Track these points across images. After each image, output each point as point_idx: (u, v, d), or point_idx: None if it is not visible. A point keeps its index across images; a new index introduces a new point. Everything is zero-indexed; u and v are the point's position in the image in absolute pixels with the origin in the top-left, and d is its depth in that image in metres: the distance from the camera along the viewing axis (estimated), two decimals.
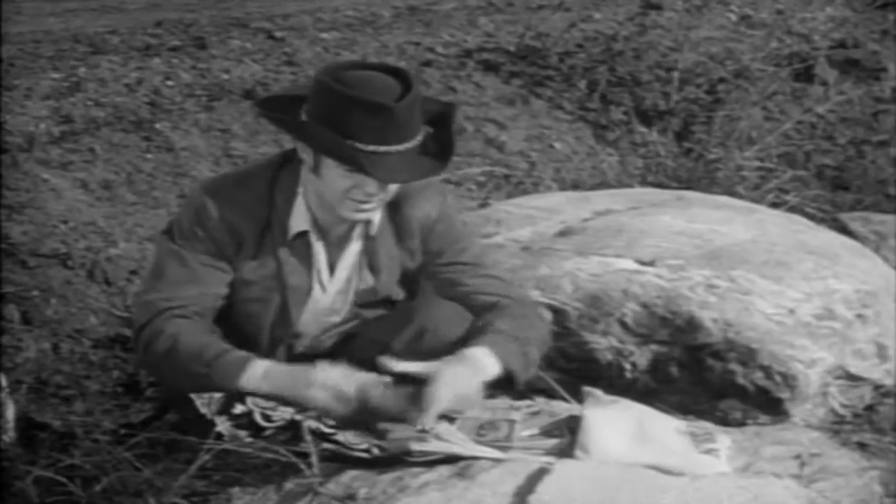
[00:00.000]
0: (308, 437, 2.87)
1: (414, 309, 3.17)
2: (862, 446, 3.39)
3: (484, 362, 3.00)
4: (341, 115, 2.87)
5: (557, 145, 6.39)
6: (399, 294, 3.24)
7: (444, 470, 2.83)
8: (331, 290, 3.16)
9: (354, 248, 3.14)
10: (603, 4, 7.97)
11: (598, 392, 3.19)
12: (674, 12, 7.62)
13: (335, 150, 2.90)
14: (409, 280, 3.24)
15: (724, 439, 3.04)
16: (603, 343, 3.62)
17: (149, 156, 5.61)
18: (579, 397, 3.20)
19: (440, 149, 3.00)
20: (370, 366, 3.02)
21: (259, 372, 2.95)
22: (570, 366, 3.55)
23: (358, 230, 3.13)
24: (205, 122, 5.90)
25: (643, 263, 3.78)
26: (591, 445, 2.88)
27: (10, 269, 4.60)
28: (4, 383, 3.43)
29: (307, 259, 3.11)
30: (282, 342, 3.17)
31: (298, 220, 3.08)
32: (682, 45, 6.98)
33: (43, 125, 5.63)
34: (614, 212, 4.30)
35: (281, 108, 3.04)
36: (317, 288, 3.14)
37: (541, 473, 2.79)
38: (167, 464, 2.92)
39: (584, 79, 6.80)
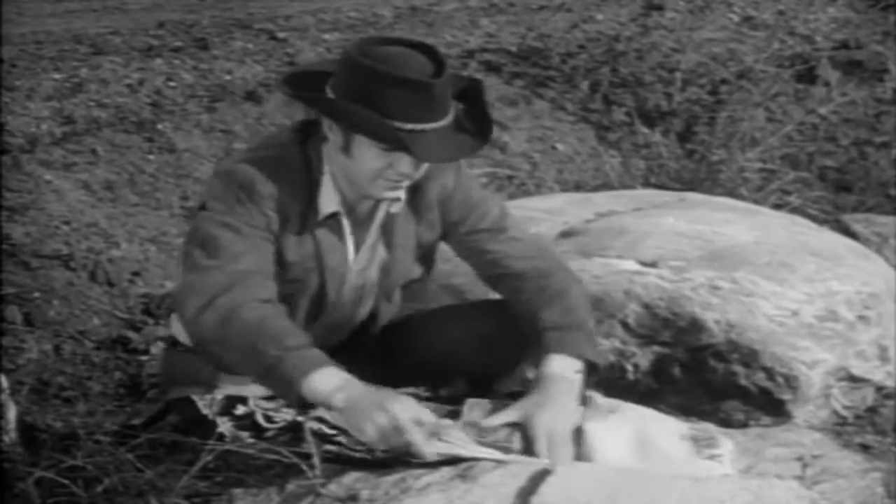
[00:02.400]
0: (310, 439, 2.86)
1: (428, 321, 3.18)
2: (864, 448, 3.39)
3: (565, 374, 2.98)
4: (378, 92, 2.79)
5: (560, 146, 6.39)
6: (416, 272, 3.19)
7: (445, 471, 2.82)
8: (354, 268, 3.11)
9: (377, 225, 3.09)
10: (605, 5, 7.98)
11: (599, 396, 3.18)
12: (676, 13, 7.63)
13: (376, 129, 2.81)
14: (427, 254, 3.21)
15: (727, 443, 3.03)
16: (605, 344, 3.62)
17: (151, 157, 5.61)
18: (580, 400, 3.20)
19: (477, 125, 2.93)
20: (436, 358, 3.07)
21: (334, 380, 2.75)
22: None
23: (383, 208, 3.07)
24: (207, 122, 5.91)
25: (645, 265, 3.78)
26: (593, 458, 2.88)
27: (12, 271, 4.60)
28: (6, 384, 3.43)
29: (342, 238, 3.05)
30: (314, 322, 3.11)
31: (328, 201, 3.00)
32: (684, 46, 6.98)
33: (45, 126, 5.63)
34: (617, 213, 4.30)
35: (305, 86, 2.94)
36: (349, 267, 3.09)
37: (543, 475, 2.79)
38: (169, 465, 2.92)
39: (586, 80, 6.81)
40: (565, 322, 3.03)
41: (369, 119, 2.80)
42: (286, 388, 2.74)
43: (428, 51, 2.88)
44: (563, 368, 2.98)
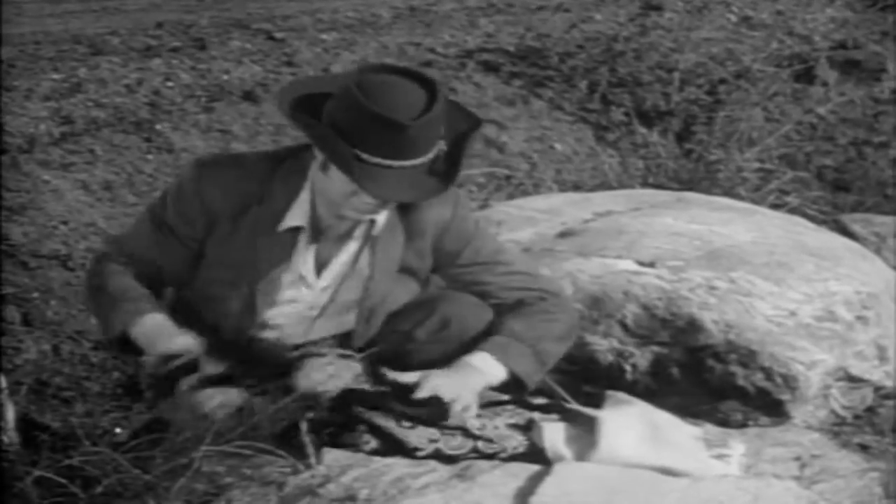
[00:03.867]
0: (305, 437, 2.86)
1: (436, 299, 3.18)
2: (862, 448, 3.40)
3: (481, 368, 3.02)
4: (353, 124, 2.84)
5: (558, 146, 6.39)
6: (402, 298, 3.21)
7: (444, 471, 2.83)
8: (317, 286, 3.13)
9: (352, 246, 3.12)
10: (603, 5, 7.97)
11: (621, 394, 3.20)
12: (674, 13, 7.62)
13: (336, 155, 2.87)
14: (419, 281, 3.23)
15: (739, 446, 3.04)
16: (603, 344, 3.62)
17: (149, 157, 5.61)
18: (594, 400, 3.22)
19: (447, 169, 2.95)
20: (393, 356, 3.06)
21: (148, 322, 3.03)
22: (571, 367, 3.54)
23: (361, 229, 3.10)
24: (205, 122, 5.90)
25: (644, 265, 3.78)
26: (604, 447, 2.88)
27: (11, 271, 4.59)
28: (5, 384, 3.43)
29: (286, 256, 3.08)
30: (246, 331, 3.15)
31: (295, 215, 3.05)
32: (682, 46, 6.98)
33: (43, 126, 5.62)
34: (615, 213, 4.30)
35: (309, 104, 2.98)
36: (299, 284, 3.11)
37: (541, 475, 2.79)
38: (167, 465, 2.91)
39: (584, 79, 6.80)
40: (521, 333, 3.08)
41: (334, 145, 2.86)
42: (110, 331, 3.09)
43: (428, 86, 2.89)
44: (481, 362, 3.04)
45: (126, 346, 3.05)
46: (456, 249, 3.16)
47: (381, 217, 3.07)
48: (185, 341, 3.00)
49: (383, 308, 3.19)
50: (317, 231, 3.08)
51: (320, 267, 3.12)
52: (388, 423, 2.96)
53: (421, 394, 2.94)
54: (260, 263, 3.07)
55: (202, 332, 3.04)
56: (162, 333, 3.01)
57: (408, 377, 2.98)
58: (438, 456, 2.92)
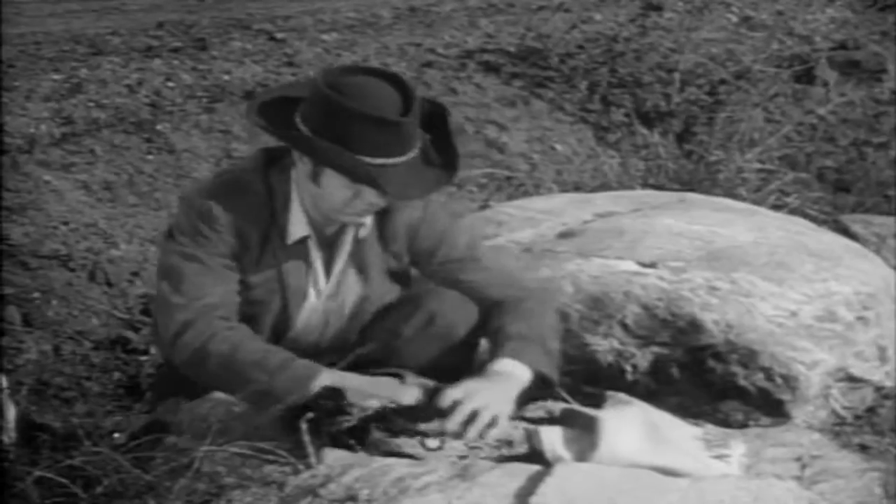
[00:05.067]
0: (305, 437, 2.86)
1: (422, 295, 3.18)
2: (863, 448, 3.39)
3: (513, 374, 3.02)
4: (347, 127, 2.83)
5: (558, 147, 6.40)
6: (390, 297, 3.22)
7: (444, 471, 2.83)
8: (325, 292, 3.15)
9: (346, 250, 3.13)
10: (604, 6, 7.98)
11: (621, 395, 3.20)
12: (674, 13, 7.63)
13: (347, 166, 2.86)
14: (401, 279, 3.24)
15: (739, 446, 3.03)
16: (604, 345, 3.62)
17: (150, 157, 5.61)
18: (594, 400, 3.22)
19: (444, 158, 2.97)
20: (380, 354, 3.05)
21: (329, 380, 2.92)
22: (571, 367, 3.54)
23: (350, 233, 3.11)
24: (206, 123, 5.91)
25: (644, 265, 3.78)
26: (603, 445, 2.88)
27: (11, 271, 4.60)
28: (5, 385, 3.43)
29: (306, 261, 3.10)
30: (280, 343, 3.15)
31: (297, 226, 3.06)
32: (682, 47, 6.98)
33: (44, 126, 5.63)
34: (615, 213, 4.30)
35: (275, 113, 2.97)
36: (311, 291, 3.13)
37: (541, 475, 2.79)
38: (168, 465, 2.92)
39: (585, 80, 6.81)
40: (528, 334, 3.08)
41: (340, 156, 2.85)
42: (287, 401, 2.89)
43: (396, 82, 2.90)
44: (511, 368, 3.02)
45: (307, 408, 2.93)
46: (430, 247, 3.17)
47: (369, 219, 3.08)
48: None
49: (370, 306, 3.20)
50: (319, 236, 3.09)
51: (327, 272, 3.14)
52: (401, 442, 2.94)
53: (463, 406, 2.90)
54: (286, 277, 3.08)
55: None
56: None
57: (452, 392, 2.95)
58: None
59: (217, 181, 3.12)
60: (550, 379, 3.10)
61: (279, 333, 3.15)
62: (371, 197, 2.93)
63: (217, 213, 2.99)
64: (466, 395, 2.92)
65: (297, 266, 3.09)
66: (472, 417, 2.89)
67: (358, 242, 3.12)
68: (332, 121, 2.85)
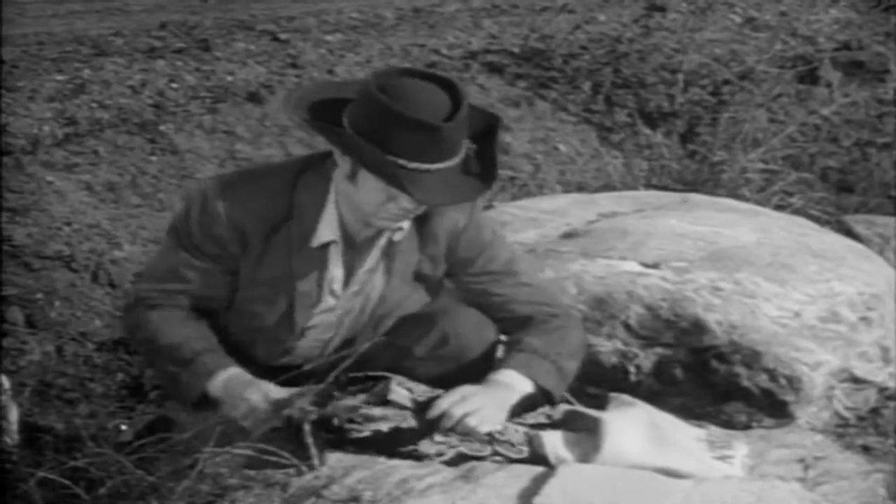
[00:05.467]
0: (308, 439, 2.86)
1: (437, 314, 3.13)
2: (866, 449, 3.39)
3: (512, 384, 3.01)
4: (387, 129, 2.79)
5: (562, 147, 6.39)
6: (412, 306, 3.18)
7: (448, 472, 2.83)
8: (344, 294, 3.11)
9: (375, 254, 3.09)
10: (607, 6, 7.97)
11: (624, 396, 3.20)
12: (678, 14, 7.62)
13: (377, 165, 2.82)
14: (430, 288, 3.20)
15: (742, 447, 3.03)
16: (608, 346, 3.61)
17: (153, 158, 5.61)
18: (598, 402, 3.21)
19: (484, 167, 2.91)
20: (394, 371, 3.02)
21: (222, 378, 2.97)
22: None
23: (385, 236, 3.07)
24: (209, 123, 5.91)
25: (648, 266, 3.78)
26: (606, 446, 2.88)
27: (14, 272, 4.60)
28: (8, 386, 3.43)
29: (322, 267, 3.06)
30: (282, 344, 3.14)
31: (326, 230, 3.02)
32: (686, 47, 6.98)
33: (47, 127, 5.63)
34: (619, 214, 4.30)
35: (323, 110, 2.94)
36: (325, 295, 3.10)
37: (545, 476, 2.79)
38: (171, 466, 2.92)
39: (588, 81, 6.80)
40: (542, 350, 3.07)
41: (372, 155, 2.81)
42: (187, 397, 3.01)
43: (449, 88, 2.86)
44: (511, 379, 3.02)
45: (203, 405, 3.00)
46: (469, 257, 3.13)
47: (406, 224, 3.04)
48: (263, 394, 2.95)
49: (393, 315, 3.16)
50: (348, 243, 3.06)
51: (347, 275, 3.09)
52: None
53: (452, 410, 2.91)
54: (296, 278, 3.05)
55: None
56: (240, 388, 2.97)
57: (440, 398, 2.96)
58: (461, 458, 2.91)
59: (232, 173, 3.19)
60: (552, 394, 3.08)
61: (282, 333, 3.13)
62: (406, 202, 2.88)
63: (215, 207, 2.98)
64: (457, 400, 2.93)
65: (312, 269, 3.05)
66: (461, 420, 2.91)
67: (391, 244, 3.08)
68: (374, 121, 2.81)
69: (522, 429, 3.00)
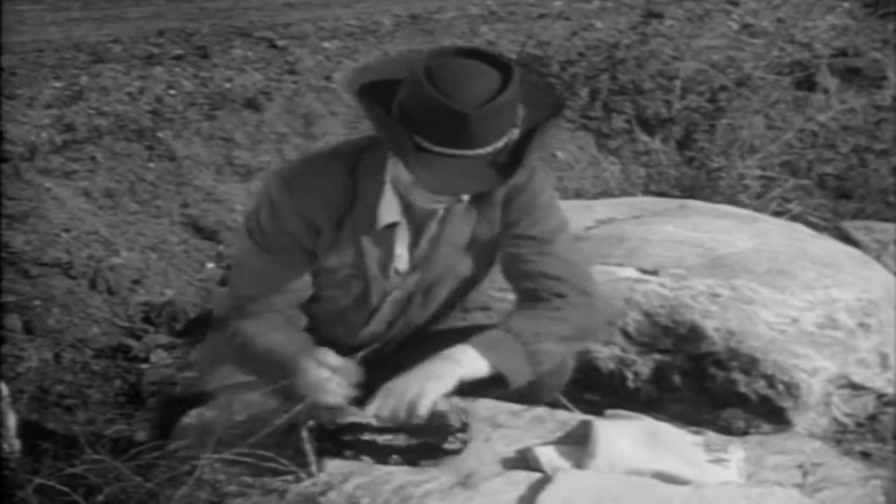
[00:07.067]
0: (306, 445, 2.86)
1: (446, 336, 3.06)
2: (864, 455, 3.39)
3: (458, 359, 2.91)
4: (415, 109, 2.75)
5: (560, 154, 6.40)
6: (464, 270, 3.10)
7: (446, 479, 2.83)
8: (406, 271, 3.08)
9: (434, 225, 3.03)
10: (604, 13, 7.99)
11: (620, 411, 3.19)
12: (675, 21, 7.64)
13: (393, 143, 2.78)
14: (483, 254, 3.10)
15: (738, 451, 3.03)
16: (605, 352, 3.62)
17: (151, 164, 5.61)
18: (596, 408, 3.21)
19: (509, 160, 2.80)
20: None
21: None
22: (573, 375, 3.54)
23: (442, 207, 3.00)
24: (207, 130, 5.91)
25: (646, 272, 3.79)
26: (600, 452, 2.88)
27: (12, 279, 4.60)
28: (6, 392, 3.43)
29: (390, 247, 3.02)
30: (358, 327, 3.13)
31: (389, 211, 2.97)
32: (683, 54, 6.99)
33: (45, 134, 5.63)
34: (617, 220, 4.30)
35: (380, 89, 2.86)
36: (393, 274, 3.06)
37: (543, 482, 2.79)
38: (169, 473, 2.91)
39: (585, 87, 6.82)
40: (517, 331, 2.97)
41: (392, 132, 2.77)
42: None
43: (503, 68, 2.77)
44: (462, 354, 2.92)
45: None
46: (516, 218, 3.03)
47: (466, 196, 2.97)
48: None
49: (443, 284, 3.11)
50: (413, 222, 3.01)
51: (413, 253, 3.05)
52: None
53: (384, 401, 2.86)
54: (367, 260, 3.01)
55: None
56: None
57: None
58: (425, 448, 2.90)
59: (294, 163, 3.14)
60: (507, 380, 2.95)
61: (356, 316, 3.12)
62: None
63: (282, 201, 2.96)
64: (380, 402, 2.87)
65: (380, 252, 3.02)
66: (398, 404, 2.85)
67: (448, 213, 3.01)
68: (409, 100, 2.77)
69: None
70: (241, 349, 3.03)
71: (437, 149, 2.74)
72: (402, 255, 3.05)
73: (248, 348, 3.01)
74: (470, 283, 3.17)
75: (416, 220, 3.02)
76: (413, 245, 3.05)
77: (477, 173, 2.77)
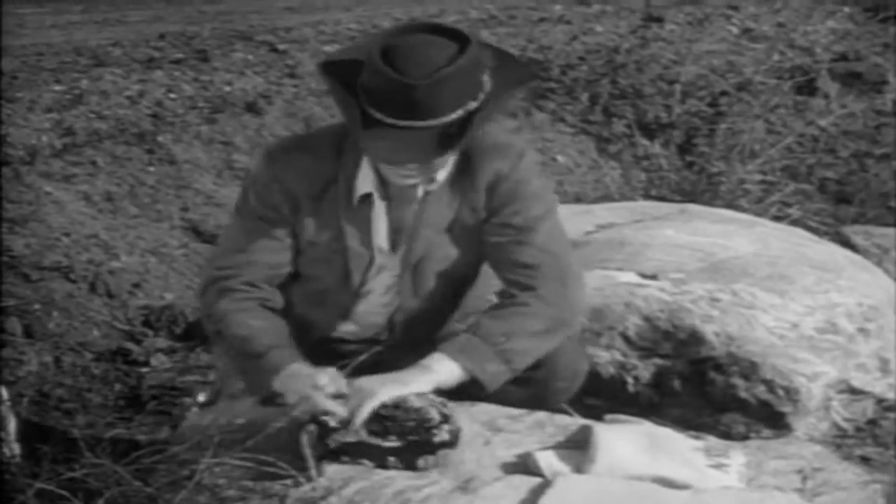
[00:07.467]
0: (306, 450, 2.86)
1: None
2: (864, 460, 3.39)
3: (432, 368, 2.91)
4: (369, 82, 2.78)
5: (560, 158, 6.40)
6: (451, 254, 3.07)
7: (446, 483, 2.82)
8: (394, 253, 3.06)
9: (414, 206, 3.01)
10: (605, 17, 7.99)
11: (620, 416, 3.19)
12: (676, 25, 7.65)
13: (345, 112, 2.82)
14: (467, 239, 3.06)
15: (738, 456, 3.03)
16: (605, 356, 3.61)
17: (151, 168, 5.62)
18: (596, 413, 3.21)
19: (458, 132, 2.79)
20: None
21: (284, 374, 2.91)
22: None
23: (421, 188, 2.97)
24: (207, 134, 5.92)
25: (646, 277, 3.78)
26: (600, 457, 2.88)
27: (12, 282, 4.60)
28: (6, 396, 3.43)
29: (367, 220, 3.02)
30: (342, 307, 3.13)
31: (364, 182, 2.98)
32: (684, 58, 6.99)
33: (45, 138, 5.64)
34: (617, 225, 4.30)
35: (351, 68, 2.87)
36: (375, 251, 3.05)
37: (543, 487, 2.79)
38: (169, 478, 2.91)
39: (586, 91, 6.82)
40: (487, 333, 2.95)
41: (344, 102, 2.82)
42: (254, 392, 2.98)
43: (459, 39, 2.79)
44: (436, 364, 2.91)
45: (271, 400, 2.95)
46: (498, 206, 3.00)
47: (442, 175, 2.94)
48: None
49: (429, 268, 3.07)
50: (392, 199, 3.00)
51: (395, 231, 3.04)
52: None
53: (350, 403, 2.84)
54: (347, 236, 3.01)
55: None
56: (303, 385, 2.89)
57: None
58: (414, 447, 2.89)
59: (284, 138, 3.15)
60: (483, 384, 2.94)
61: (342, 295, 3.11)
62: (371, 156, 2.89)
63: (265, 173, 3.00)
64: (351, 387, 2.86)
65: (359, 225, 3.02)
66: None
67: (427, 194, 2.99)
68: (365, 75, 2.80)
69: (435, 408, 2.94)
70: (217, 331, 3.04)
71: (390, 120, 2.76)
72: (380, 231, 3.03)
73: (224, 332, 3.01)
74: (461, 274, 3.14)
75: (396, 198, 3.01)
76: (393, 224, 3.04)
77: (421, 144, 2.78)
